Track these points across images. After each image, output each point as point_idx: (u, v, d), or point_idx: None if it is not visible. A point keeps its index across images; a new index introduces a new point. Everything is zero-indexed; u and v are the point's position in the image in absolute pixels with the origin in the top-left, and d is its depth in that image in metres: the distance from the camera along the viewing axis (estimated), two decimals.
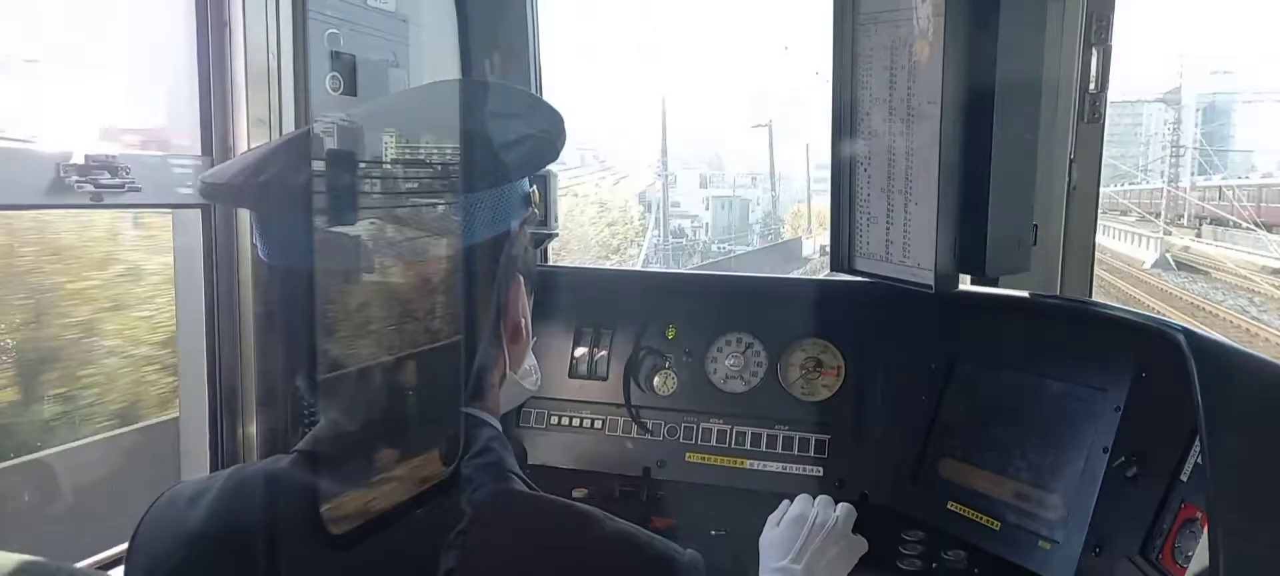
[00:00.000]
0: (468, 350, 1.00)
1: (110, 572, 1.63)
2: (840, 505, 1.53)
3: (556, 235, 2.09)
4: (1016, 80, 1.44)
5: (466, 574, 0.90)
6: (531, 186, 1.09)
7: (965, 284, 1.53)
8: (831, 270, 1.73)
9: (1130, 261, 25.49)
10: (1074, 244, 1.70)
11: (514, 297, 1.09)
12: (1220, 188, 31.05)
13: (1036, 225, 1.57)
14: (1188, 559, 1.17)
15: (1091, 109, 1.69)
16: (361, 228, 0.89)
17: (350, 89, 1.91)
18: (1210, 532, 0.96)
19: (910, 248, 1.53)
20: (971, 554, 1.53)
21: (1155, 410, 1.34)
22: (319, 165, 0.90)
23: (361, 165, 0.92)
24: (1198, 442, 1.21)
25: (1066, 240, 1.70)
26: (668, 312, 1.98)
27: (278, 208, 0.95)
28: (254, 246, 1.04)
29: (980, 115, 1.42)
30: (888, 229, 1.57)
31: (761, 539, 1.51)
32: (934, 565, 1.53)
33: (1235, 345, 1.21)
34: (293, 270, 0.95)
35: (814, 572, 1.42)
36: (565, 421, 1.99)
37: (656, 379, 1.95)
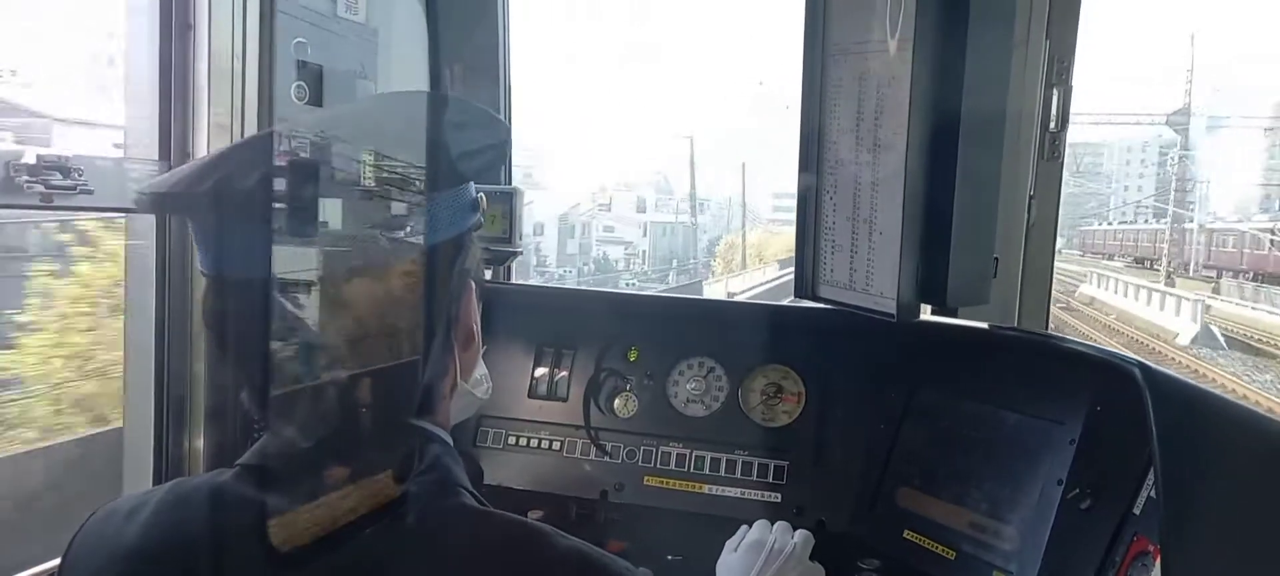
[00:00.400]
0: (419, 359, 0.99)
1: None
2: (798, 532, 1.52)
3: (520, 253, 2.08)
4: (980, 115, 1.47)
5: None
6: (479, 194, 1.08)
7: (926, 314, 1.55)
8: (795, 296, 1.74)
9: (1157, 332, 18.63)
10: (1032, 277, 1.73)
11: (466, 305, 1.08)
12: (1231, 230, 26.67)
13: (996, 258, 1.59)
14: None
15: (1051, 147, 1.73)
16: (306, 235, 0.88)
17: (315, 98, 1.88)
18: (1162, 565, 0.97)
19: (873, 276, 1.55)
20: None
21: (1110, 443, 1.37)
22: (264, 172, 0.89)
23: (309, 171, 0.90)
24: (1151, 476, 1.23)
25: (1025, 273, 1.73)
26: (630, 335, 1.97)
27: (218, 217, 0.93)
28: None
29: (945, 148, 1.44)
30: (852, 257, 1.59)
31: (718, 564, 1.50)
32: None
33: (1189, 380, 1.23)
34: (231, 280, 0.93)
35: None
36: (523, 442, 1.96)
37: (617, 401, 1.94)
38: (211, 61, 1.69)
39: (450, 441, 1.06)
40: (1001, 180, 1.58)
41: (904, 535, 1.62)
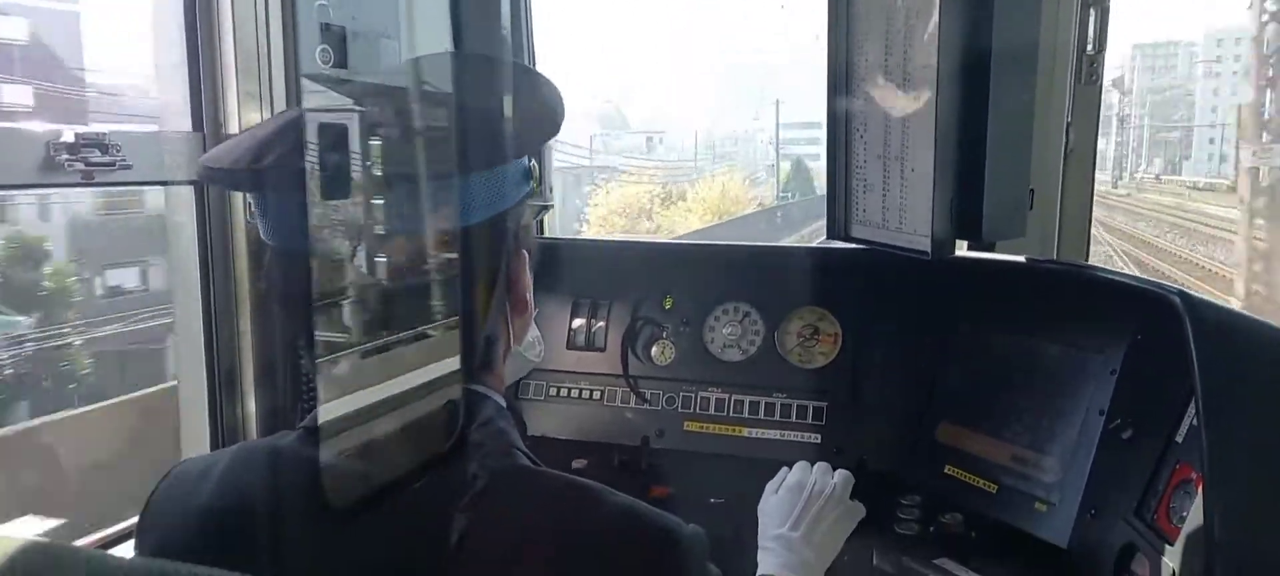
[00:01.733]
0: (474, 325, 1.01)
1: (114, 549, 1.64)
2: (838, 472, 1.53)
3: (552, 206, 2.09)
4: (1013, 43, 1.43)
5: (471, 549, 0.91)
6: (531, 160, 1.09)
7: (962, 249, 1.53)
8: (828, 237, 1.72)
9: None
10: (1071, 207, 1.70)
11: (518, 271, 1.09)
12: None
13: (1032, 189, 1.56)
14: (1182, 519, 1.18)
15: (1089, 71, 1.68)
16: (366, 208, 0.89)
17: (341, 61, 1.88)
18: (1205, 493, 0.97)
19: (906, 214, 1.53)
20: (969, 516, 1.54)
21: (1151, 372, 1.35)
22: (321, 147, 0.90)
23: (364, 145, 0.91)
24: (1193, 404, 1.22)
25: (1063, 203, 1.70)
26: (664, 283, 1.98)
27: (280, 192, 0.95)
28: (251, 224, 1.04)
29: (976, 80, 1.41)
30: (884, 196, 1.57)
31: (760, 506, 1.52)
32: (931, 528, 1.54)
33: (1231, 306, 1.21)
34: (296, 252, 0.95)
35: (812, 539, 1.43)
36: (564, 393, 1.99)
37: (654, 349, 1.95)
38: (236, 30, 1.71)
39: (504, 403, 1.08)
40: (1037, 108, 1.54)
41: (945, 470, 1.62)
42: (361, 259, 0.91)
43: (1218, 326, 1.06)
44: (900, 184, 1.53)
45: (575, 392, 1.98)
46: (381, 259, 0.91)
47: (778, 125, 38.78)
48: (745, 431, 1.85)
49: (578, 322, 2.02)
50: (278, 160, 0.94)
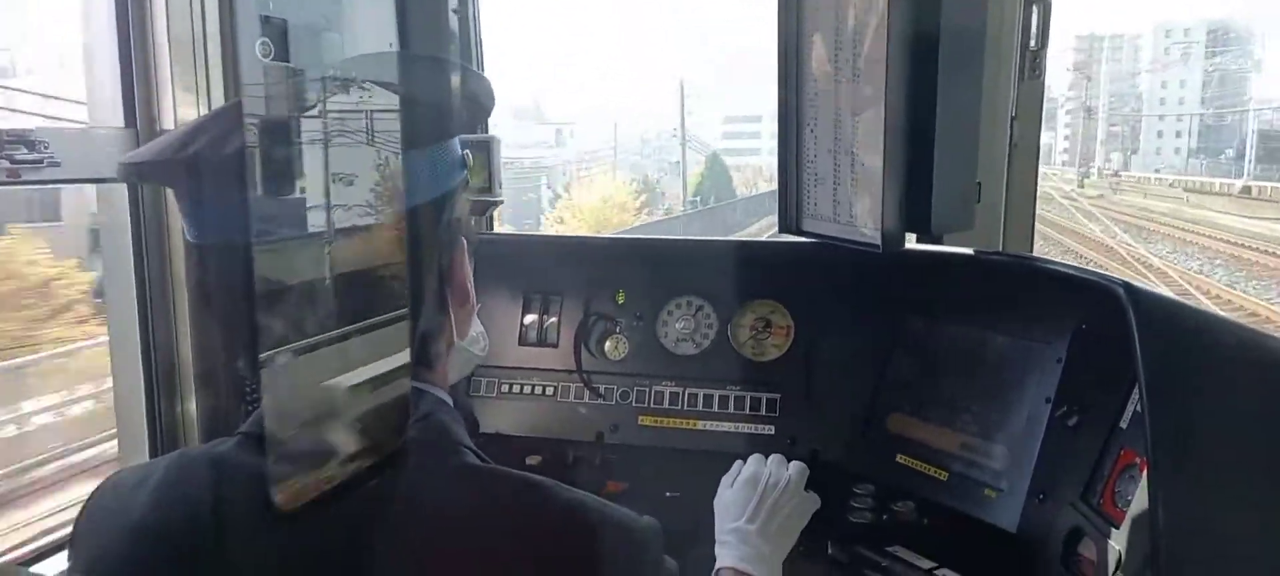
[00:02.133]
0: (413, 320, 0.98)
1: (46, 563, 1.58)
2: (793, 463, 1.55)
3: (501, 201, 2.06)
4: (959, 36, 1.45)
5: (418, 550, 0.89)
6: (464, 149, 1.07)
7: (911, 242, 1.54)
8: (779, 231, 1.73)
9: None
10: (1016, 200, 1.74)
11: (458, 262, 1.07)
12: None
13: (979, 182, 1.59)
14: (1127, 502, 1.21)
15: (1032, 66, 1.71)
16: (295, 199, 0.86)
17: (282, 54, 1.83)
18: (1149, 476, 0.99)
19: (857, 208, 1.54)
20: (920, 504, 1.57)
21: (1095, 361, 1.38)
22: (248, 136, 0.87)
23: (293, 133, 0.88)
24: (1136, 391, 1.25)
25: (1009, 196, 1.73)
26: (617, 278, 1.97)
27: (203, 184, 0.91)
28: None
29: (924, 74, 1.42)
30: (835, 189, 1.58)
31: (716, 500, 1.52)
32: (884, 516, 1.57)
33: (1172, 296, 1.25)
34: (223, 248, 0.92)
35: (768, 531, 1.43)
36: (516, 389, 1.97)
37: (608, 344, 1.94)
38: (170, 21, 1.65)
39: (449, 400, 1.06)
40: (982, 102, 1.56)
41: (897, 459, 1.64)
42: (290, 253, 0.87)
43: (1160, 315, 1.09)
44: (851, 177, 1.54)
45: (527, 389, 1.96)
46: (312, 252, 0.87)
47: (682, 110, 33.27)
48: (699, 424, 1.85)
49: (529, 319, 2.00)
50: (201, 150, 0.90)
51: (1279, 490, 1.02)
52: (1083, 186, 34.68)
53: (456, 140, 1.05)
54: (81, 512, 1.01)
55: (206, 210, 0.92)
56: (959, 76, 1.45)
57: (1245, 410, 1.06)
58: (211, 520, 0.92)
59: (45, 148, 1.49)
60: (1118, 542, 1.19)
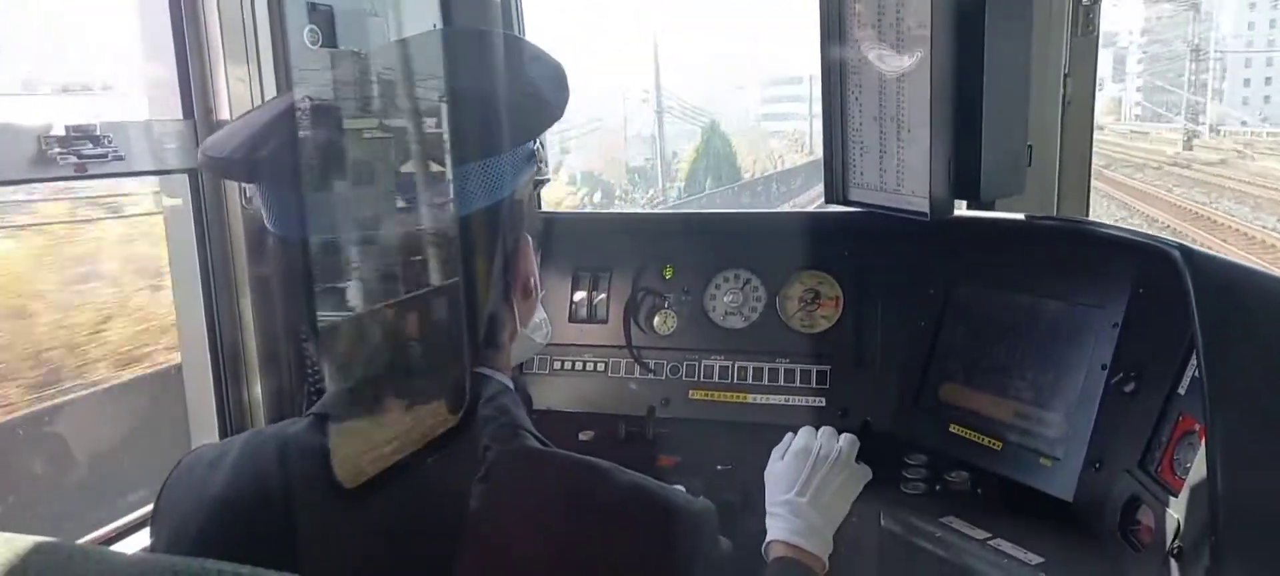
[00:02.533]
0: (478, 310, 1.01)
1: (120, 543, 1.66)
2: (843, 435, 1.54)
3: (548, 180, 2.08)
4: None
5: (482, 532, 0.92)
6: (536, 144, 1.08)
7: (961, 209, 1.52)
8: (826, 202, 1.72)
9: None
10: (1070, 160, 1.69)
11: (523, 254, 1.09)
12: None
13: (1031, 145, 1.55)
14: (1186, 470, 1.18)
15: (1085, 20, 1.66)
16: (370, 195, 0.89)
17: (330, 40, 1.86)
18: (1208, 444, 0.97)
19: (904, 176, 1.52)
20: (974, 474, 1.55)
21: (1152, 326, 1.35)
22: (325, 131, 0.89)
23: (366, 132, 0.91)
24: (1194, 356, 1.22)
25: (1062, 157, 1.68)
26: (664, 253, 1.98)
27: (282, 182, 0.94)
28: (248, 209, 1.04)
29: (971, 35, 1.39)
30: (881, 158, 1.56)
31: (767, 471, 1.52)
32: (937, 487, 1.55)
33: (1230, 259, 1.21)
34: (297, 239, 0.95)
35: (820, 502, 1.43)
36: (568, 366, 2.00)
37: (656, 319, 1.95)
38: (222, 13, 1.69)
39: (511, 386, 1.08)
40: (1033, 60, 1.52)
41: (949, 429, 1.63)
42: (368, 247, 0.91)
43: (1218, 279, 1.06)
44: (897, 145, 1.52)
45: (579, 366, 1.99)
46: (383, 247, 0.90)
47: (657, 71, 27.85)
48: (750, 398, 1.86)
49: (579, 296, 2.02)
50: (275, 150, 0.93)
51: None
52: (1191, 147, 27.13)
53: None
54: (162, 489, 1.06)
55: (285, 204, 0.95)
56: (1007, 34, 1.41)
57: None
58: (284, 496, 0.96)
59: (109, 142, 1.54)
60: (1176, 511, 1.16)
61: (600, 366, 1.98)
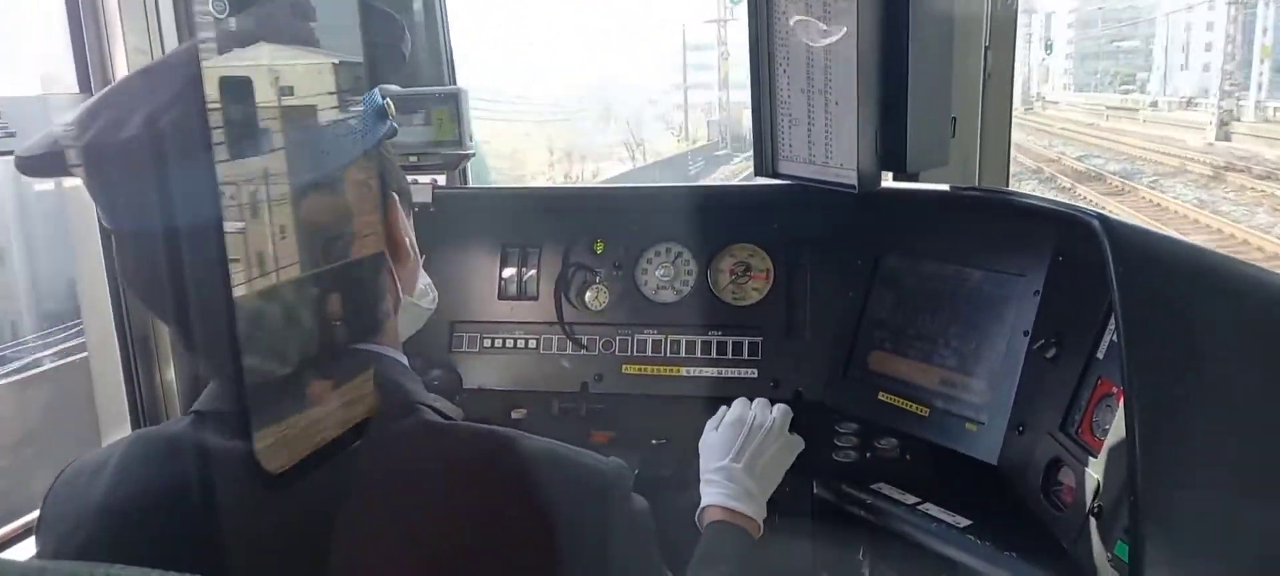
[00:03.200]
0: (352, 284, 0.96)
1: (10, 551, 1.58)
2: (777, 406, 1.56)
3: (473, 154, 2.02)
4: None
5: (379, 513, 0.88)
6: (385, 100, 1.04)
7: (887, 181, 1.54)
8: (755, 174, 1.72)
9: None
10: (990, 132, 1.72)
11: (393, 218, 1.05)
12: None
13: (954, 117, 1.57)
14: (1105, 431, 1.23)
15: None
16: (211, 172, 0.81)
17: (237, 6, 1.77)
18: (1126, 406, 1.00)
19: (832, 149, 1.53)
20: (903, 440, 1.59)
21: (1071, 293, 1.39)
22: (147, 112, 0.82)
23: (195, 104, 0.83)
24: (1112, 321, 1.26)
25: (983, 129, 1.71)
26: (594, 227, 1.96)
27: (107, 168, 0.86)
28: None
29: (896, 10, 1.40)
30: (809, 130, 1.56)
31: (701, 442, 1.53)
32: (868, 454, 1.58)
33: (1146, 226, 1.25)
34: (141, 232, 0.88)
35: (754, 469, 1.45)
36: (499, 343, 1.96)
37: (588, 294, 1.94)
38: None
39: (403, 359, 1.05)
40: (955, 35, 1.54)
41: (878, 397, 1.66)
42: (216, 229, 0.83)
43: (1135, 246, 1.09)
44: (825, 117, 1.53)
45: (510, 343, 1.96)
46: (240, 226, 0.83)
47: None
48: (683, 371, 1.86)
49: (508, 272, 1.98)
50: (99, 134, 0.84)
51: (1254, 415, 1.03)
52: (1226, 132, 20.17)
53: (376, 91, 1.01)
54: (45, 500, 1.00)
55: (117, 194, 0.88)
56: (931, 11, 1.43)
57: (1220, 337, 1.07)
58: (168, 498, 0.91)
59: None
60: (1095, 471, 1.21)
61: (532, 343, 1.95)
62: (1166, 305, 1.05)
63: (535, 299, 1.96)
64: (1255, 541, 1.03)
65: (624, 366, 1.89)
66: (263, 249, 0.81)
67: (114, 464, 0.95)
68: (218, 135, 0.76)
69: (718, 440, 1.51)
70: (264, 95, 0.80)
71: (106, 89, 0.91)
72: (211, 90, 0.76)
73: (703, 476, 1.46)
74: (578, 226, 1.96)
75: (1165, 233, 1.22)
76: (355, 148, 0.92)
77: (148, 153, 0.81)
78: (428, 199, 1.99)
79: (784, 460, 1.51)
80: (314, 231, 0.85)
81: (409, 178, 2.01)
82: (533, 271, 1.97)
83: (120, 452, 0.96)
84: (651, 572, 1.06)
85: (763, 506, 1.42)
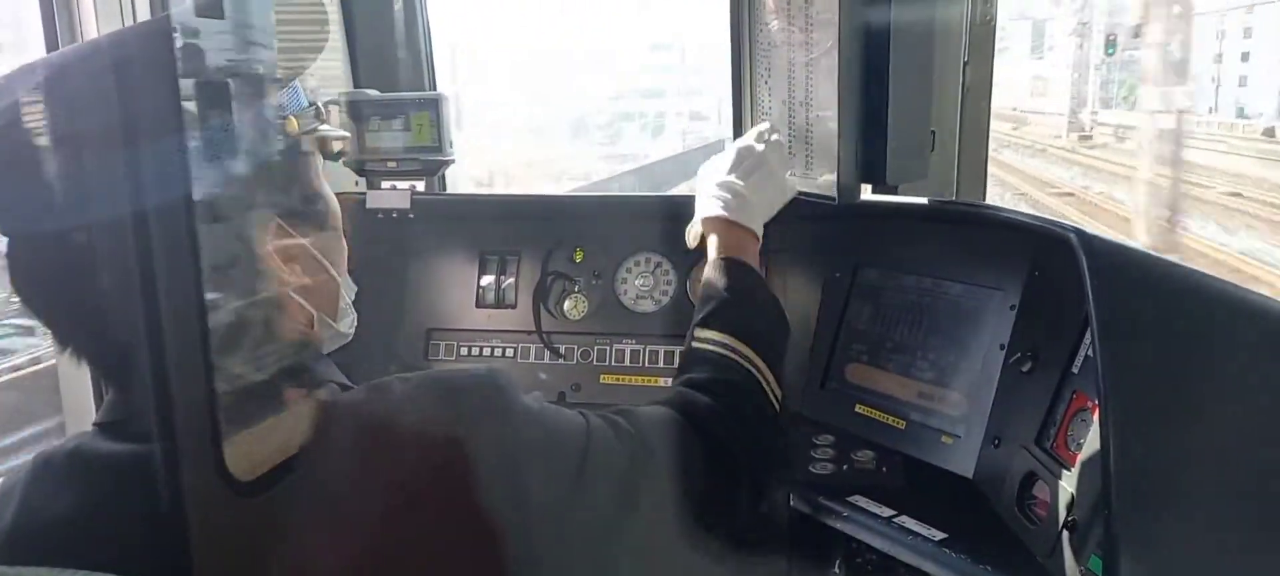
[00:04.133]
0: (257, 294, 0.94)
1: None
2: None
3: (452, 160, 2.01)
4: None
5: (303, 493, 0.86)
6: (311, 103, 1.03)
7: (867, 193, 1.54)
8: None
9: None
10: (968, 144, 1.74)
11: (330, 233, 1.06)
12: None
13: (933, 131, 1.58)
14: (1080, 445, 1.23)
15: (983, 10, 1.71)
16: (106, 175, 0.78)
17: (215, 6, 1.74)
18: (1101, 420, 1.01)
19: (813, 161, 1.53)
20: (879, 453, 1.59)
21: (1048, 307, 1.40)
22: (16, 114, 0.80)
23: (72, 109, 0.80)
24: (1087, 336, 1.27)
25: (961, 141, 1.73)
26: (574, 236, 1.95)
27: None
28: None
29: (878, 23, 1.41)
30: (789, 142, 1.57)
31: (699, 171, 1.54)
32: (844, 466, 1.58)
33: (1124, 242, 1.26)
34: (25, 239, 0.86)
35: (752, 184, 1.45)
36: (475, 352, 1.95)
37: (567, 303, 1.93)
38: None
39: (310, 346, 1.04)
40: (935, 48, 1.55)
41: (856, 409, 1.66)
42: (108, 234, 0.79)
43: (1111, 261, 1.10)
44: (806, 130, 1.53)
45: (487, 351, 1.95)
46: (120, 230, 0.79)
47: None
48: (661, 381, 1.85)
49: (486, 280, 1.97)
50: None
51: (1228, 431, 1.04)
52: None
53: (296, 85, 1.00)
54: None
55: (6, 193, 0.86)
56: (912, 24, 1.43)
57: (1195, 353, 1.08)
58: (74, 514, 0.89)
59: None
60: (1069, 484, 1.21)
61: (509, 352, 1.94)
62: (1143, 321, 1.06)
63: (513, 307, 1.95)
64: (1231, 556, 1.04)
65: (602, 376, 1.89)
66: (163, 251, 0.76)
67: (20, 487, 0.93)
68: (121, 132, 0.73)
69: (717, 160, 1.51)
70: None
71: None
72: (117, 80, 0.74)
73: (701, 195, 1.48)
74: (557, 234, 1.95)
75: (1141, 248, 1.23)
76: (264, 147, 0.89)
77: (26, 157, 0.78)
78: (406, 205, 1.98)
79: (782, 185, 1.51)
80: (221, 237, 0.82)
81: (386, 184, 2.00)
82: (511, 279, 1.96)
83: (25, 475, 0.94)
84: (571, 428, 1.05)
85: (760, 226, 1.45)
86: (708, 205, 1.44)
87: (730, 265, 1.40)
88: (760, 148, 1.50)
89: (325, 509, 0.88)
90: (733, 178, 1.45)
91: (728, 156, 1.50)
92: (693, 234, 1.51)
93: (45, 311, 0.92)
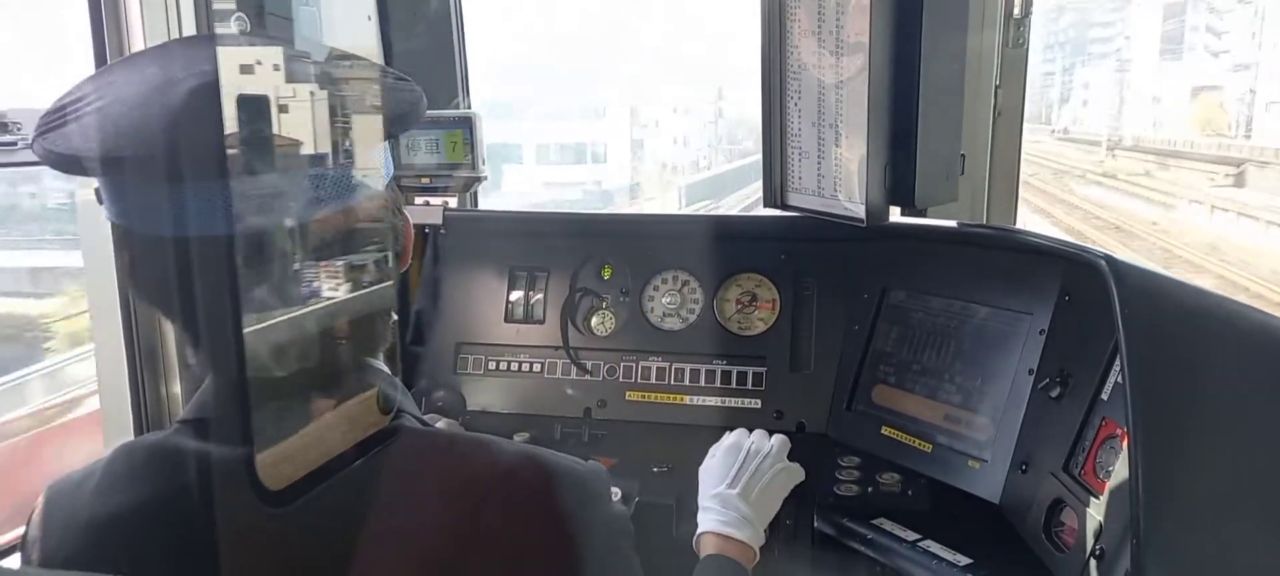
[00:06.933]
0: (368, 301, 0.98)
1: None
2: (775, 436, 1.56)
3: (484, 177, 2.04)
4: (943, 8, 1.44)
5: (371, 521, 0.89)
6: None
7: (895, 215, 1.54)
8: (764, 205, 1.73)
9: None
10: (999, 170, 1.73)
11: (407, 236, 1.09)
12: None
13: (964, 154, 1.58)
14: (1108, 473, 1.22)
15: (1016, 34, 1.71)
16: (234, 185, 0.82)
17: (258, 25, 1.79)
18: (1130, 447, 1.00)
19: (841, 182, 1.54)
20: (905, 476, 1.58)
21: (1077, 332, 1.39)
22: (165, 119, 0.83)
23: (233, 116, 0.84)
24: (1116, 362, 1.26)
25: (992, 166, 1.73)
26: (602, 253, 1.97)
27: (129, 170, 0.87)
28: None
29: (908, 47, 1.41)
30: (819, 163, 1.57)
31: (701, 469, 1.53)
32: (870, 489, 1.58)
33: (1154, 269, 1.25)
34: (146, 233, 0.89)
35: (749, 495, 1.45)
36: (503, 366, 1.97)
37: (594, 319, 1.94)
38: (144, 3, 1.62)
39: (389, 372, 1.06)
40: (966, 73, 1.56)
41: (882, 431, 1.65)
42: (230, 241, 0.83)
43: (1142, 287, 1.10)
44: (835, 151, 1.54)
45: (514, 366, 1.96)
46: (243, 236, 0.83)
47: None
48: (686, 399, 1.86)
49: (516, 295, 1.99)
50: (138, 140, 0.86)
51: (1257, 461, 1.03)
52: None
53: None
54: (30, 519, 1.01)
55: (126, 193, 0.89)
56: (943, 48, 1.44)
57: (1226, 382, 1.07)
58: (154, 507, 0.91)
59: (18, 128, 1.46)
60: (1097, 513, 1.20)
61: (536, 367, 1.96)
62: (1172, 347, 1.05)
63: (542, 322, 1.97)
64: None
65: (628, 393, 1.89)
66: (277, 261, 0.81)
67: (99, 476, 0.96)
68: (241, 145, 0.78)
69: (716, 465, 1.51)
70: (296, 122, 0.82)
71: (135, 94, 0.91)
72: (233, 104, 0.78)
73: (701, 503, 1.47)
74: (586, 251, 1.97)
75: (1170, 275, 1.23)
76: (388, 171, 0.95)
77: (168, 151, 0.82)
78: (438, 221, 2.01)
79: (782, 486, 1.51)
80: (333, 246, 0.87)
81: (420, 200, 2.03)
82: (540, 295, 1.98)
83: (105, 465, 0.97)
84: (628, 573, 1.07)
85: (760, 533, 1.42)
86: (707, 519, 1.44)
87: (728, 565, 1.39)
88: (756, 448, 1.53)
89: (393, 538, 0.90)
90: (730, 492, 1.45)
91: (723, 462, 1.51)
92: (696, 540, 1.50)
93: (159, 300, 0.96)
